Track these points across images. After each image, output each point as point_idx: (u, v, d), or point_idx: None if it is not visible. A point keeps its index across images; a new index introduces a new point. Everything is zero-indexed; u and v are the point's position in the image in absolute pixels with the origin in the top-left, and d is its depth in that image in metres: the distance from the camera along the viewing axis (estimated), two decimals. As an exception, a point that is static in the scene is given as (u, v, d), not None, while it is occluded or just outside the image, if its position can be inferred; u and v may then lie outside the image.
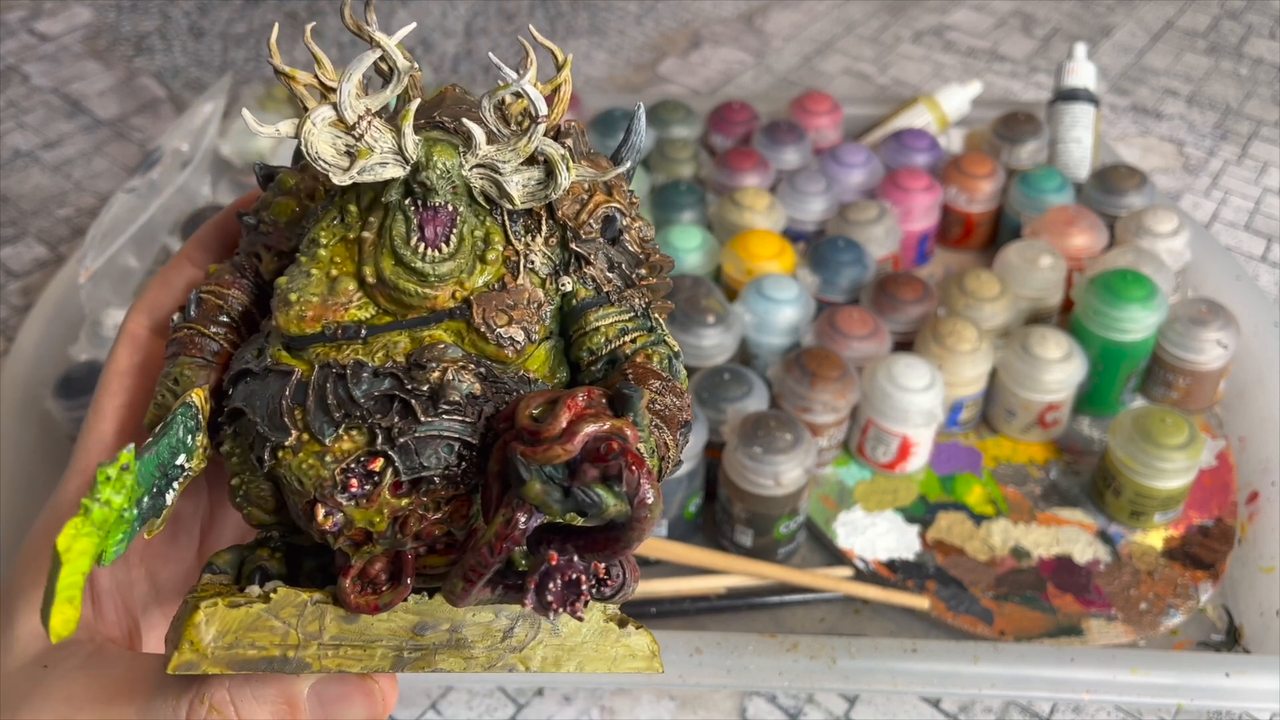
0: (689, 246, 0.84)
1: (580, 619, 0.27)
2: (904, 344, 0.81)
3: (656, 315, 0.33)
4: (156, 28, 1.30)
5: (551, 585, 0.26)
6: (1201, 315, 0.80)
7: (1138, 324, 0.78)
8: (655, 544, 0.72)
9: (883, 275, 0.84)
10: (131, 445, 0.26)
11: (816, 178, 0.91)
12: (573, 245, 0.31)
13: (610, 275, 0.32)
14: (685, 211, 0.89)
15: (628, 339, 0.32)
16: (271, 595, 0.29)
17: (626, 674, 0.34)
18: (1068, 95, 0.98)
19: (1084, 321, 0.80)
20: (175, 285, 0.36)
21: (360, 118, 0.28)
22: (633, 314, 0.32)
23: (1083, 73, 0.98)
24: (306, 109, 0.29)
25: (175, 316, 0.33)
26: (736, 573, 0.71)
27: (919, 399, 0.74)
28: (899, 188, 0.91)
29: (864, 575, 0.73)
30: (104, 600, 0.33)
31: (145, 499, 0.28)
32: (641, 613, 0.69)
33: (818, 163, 0.96)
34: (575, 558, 0.26)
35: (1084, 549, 0.74)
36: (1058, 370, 0.77)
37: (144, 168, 0.93)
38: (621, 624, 0.31)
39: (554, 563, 0.26)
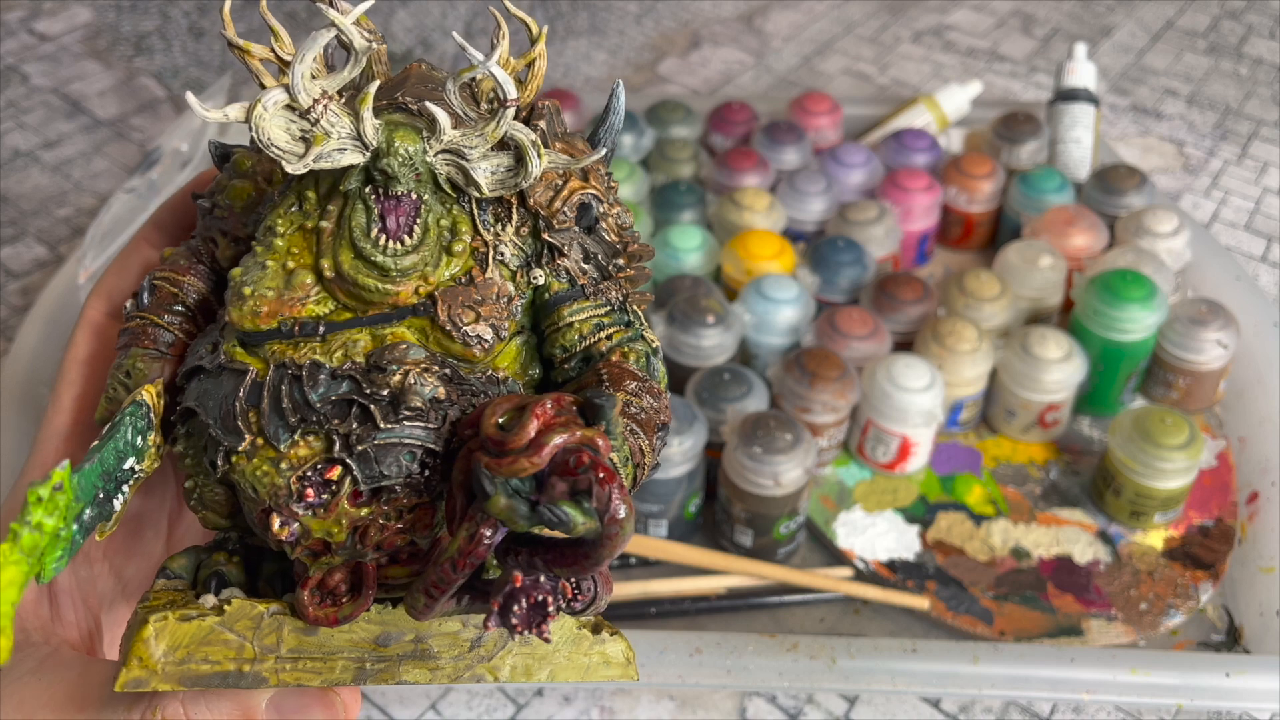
0: (689, 246, 0.84)
1: (548, 640, 0.26)
2: (904, 344, 0.81)
3: (635, 307, 0.31)
4: (156, 28, 1.30)
5: (516, 608, 0.25)
6: (1201, 315, 0.80)
7: (1138, 324, 0.78)
8: (655, 544, 0.72)
9: (883, 275, 0.84)
10: (66, 462, 0.24)
11: (816, 178, 0.91)
12: (545, 236, 0.29)
13: (585, 267, 0.30)
14: (685, 211, 0.89)
15: (603, 334, 0.30)
16: (226, 607, 0.27)
17: (601, 682, 0.33)
18: (1068, 95, 0.98)
19: (1084, 321, 0.80)
20: (133, 269, 0.34)
21: (316, 101, 0.26)
22: (609, 308, 0.30)
23: (1083, 73, 0.98)
24: (263, 86, 0.27)
25: (128, 304, 0.31)
26: (736, 573, 0.71)
27: (919, 399, 0.74)
28: (899, 188, 0.91)
29: (864, 575, 0.72)
30: (62, 600, 0.32)
31: (87, 511, 0.26)
32: (641, 613, 0.69)
33: (818, 163, 0.96)
34: (542, 577, 0.25)
35: (1084, 549, 0.74)
36: (1058, 370, 0.77)
37: (144, 168, 0.93)
38: (595, 630, 0.29)
39: (518, 584, 0.25)
